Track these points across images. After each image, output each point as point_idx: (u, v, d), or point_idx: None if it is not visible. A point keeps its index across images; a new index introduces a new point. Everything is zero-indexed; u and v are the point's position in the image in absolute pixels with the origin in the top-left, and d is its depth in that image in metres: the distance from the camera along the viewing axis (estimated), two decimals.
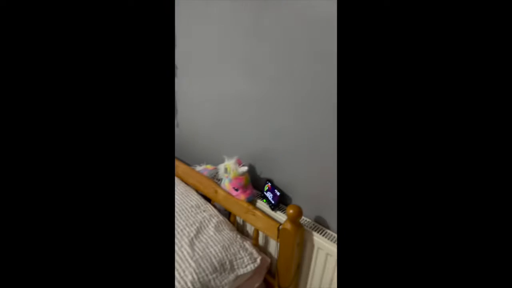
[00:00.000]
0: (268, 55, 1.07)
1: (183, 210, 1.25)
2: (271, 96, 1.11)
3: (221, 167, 1.25)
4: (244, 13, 1.10)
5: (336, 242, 1.00)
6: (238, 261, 1.07)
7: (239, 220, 1.35)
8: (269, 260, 1.19)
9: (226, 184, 1.24)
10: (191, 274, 0.96)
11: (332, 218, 1.06)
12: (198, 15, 1.29)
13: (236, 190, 1.20)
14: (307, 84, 0.99)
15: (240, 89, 1.22)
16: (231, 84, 1.26)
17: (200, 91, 1.43)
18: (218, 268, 1.01)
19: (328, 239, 1.02)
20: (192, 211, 1.25)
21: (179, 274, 0.96)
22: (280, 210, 1.17)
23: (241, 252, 1.10)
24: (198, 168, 1.45)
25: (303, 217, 1.12)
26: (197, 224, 1.17)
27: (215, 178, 1.39)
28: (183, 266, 0.99)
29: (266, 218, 1.10)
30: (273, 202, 1.16)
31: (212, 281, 0.98)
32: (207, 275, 0.98)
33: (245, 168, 1.20)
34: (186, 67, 1.46)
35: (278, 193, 1.14)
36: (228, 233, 1.16)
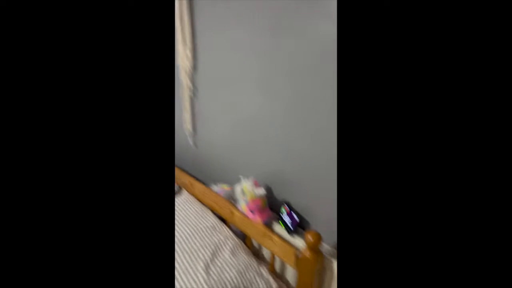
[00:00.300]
0: (284, 76, 1.07)
1: (198, 230, 1.23)
2: (288, 116, 1.10)
3: (238, 188, 1.23)
4: (260, 34, 1.11)
5: None
6: None
7: (254, 242, 1.32)
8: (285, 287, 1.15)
9: (243, 206, 1.22)
10: None
11: None
12: (215, 37, 1.31)
13: (253, 212, 1.18)
14: (324, 104, 0.98)
15: (257, 109, 1.22)
16: (248, 104, 1.26)
17: (217, 111, 1.45)
18: None
19: None
20: (207, 232, 1.23)
21: None
22: (297, 234, 1.13)
23: (257, 278, 1.06)
24: (215, 188, 1.44)
25: (321, 243, 1.08)
26: (212, 247, 1.15)
27: (231, 198, 1.37)
28: None
29: (284, 243, 1.07)
30: (291, 228, 1.13)
31: None
32: None
33: (262, 190, 1.18)
34: (205, 88, 1.48)
35: (297, 219, 1.11)
36: (244, 257, 1.14)
